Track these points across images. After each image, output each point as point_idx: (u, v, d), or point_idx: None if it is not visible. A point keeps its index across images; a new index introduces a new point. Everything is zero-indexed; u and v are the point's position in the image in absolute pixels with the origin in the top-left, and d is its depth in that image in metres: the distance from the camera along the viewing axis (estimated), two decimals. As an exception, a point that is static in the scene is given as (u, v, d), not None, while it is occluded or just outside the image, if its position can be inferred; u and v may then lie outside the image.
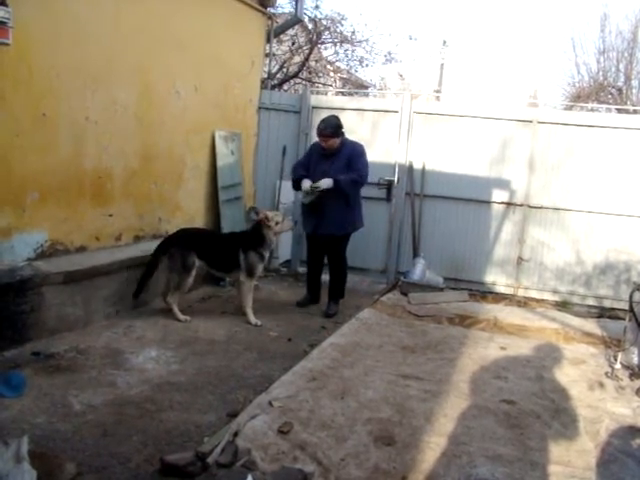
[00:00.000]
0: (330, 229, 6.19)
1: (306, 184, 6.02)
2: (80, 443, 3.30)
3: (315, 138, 6.38)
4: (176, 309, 5.62)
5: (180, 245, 5.65)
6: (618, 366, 4.92)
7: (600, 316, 6.94)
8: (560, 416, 3.96)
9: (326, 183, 5.95)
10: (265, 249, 5.89)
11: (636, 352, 4.98)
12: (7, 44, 4.15)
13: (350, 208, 6.19)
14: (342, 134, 6.13)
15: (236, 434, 3.29)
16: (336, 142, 6.07)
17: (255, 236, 5.87)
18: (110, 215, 5.58)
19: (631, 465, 3.38)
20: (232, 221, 7.24)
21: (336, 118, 6.13)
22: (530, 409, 4.02)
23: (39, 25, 4.61)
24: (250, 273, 5.82)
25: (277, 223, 5.90)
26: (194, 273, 5.70)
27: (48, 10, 4.68)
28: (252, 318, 5.75)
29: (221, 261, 5.91)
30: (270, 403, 3.73)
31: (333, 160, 6.11)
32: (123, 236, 5.78)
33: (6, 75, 4.38)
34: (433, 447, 3.39)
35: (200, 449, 3.15)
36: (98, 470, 3.04)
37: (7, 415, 3.53)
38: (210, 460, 3.06)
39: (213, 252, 5.84)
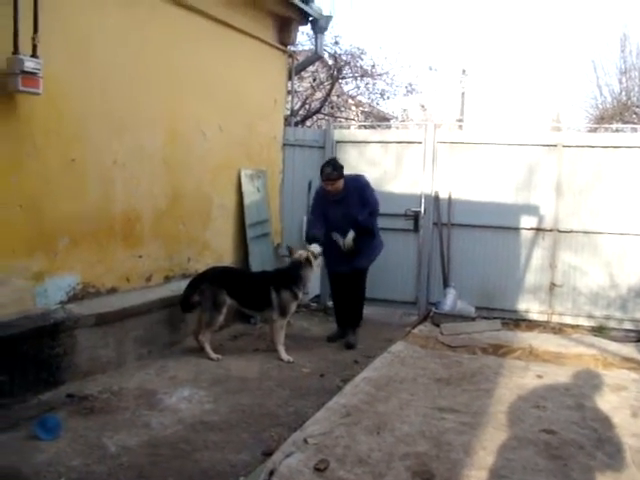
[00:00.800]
0: (361, 263, 6.34)
1: (315, 249, 6.03)
2: (116, 486, 3.30)
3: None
4: (208, 347, 5.61)
5: (211, 282, 5.68)
6: (661, 391, 4.79)
7: (638, 340, 6.78)
8: (604, 446, 3.84)
9: (350, 237, 6.11)
10: (300, 288, 5.89)
11: (678, 376, 4.85)
12: (38, 94, 4.26)
13: (373, 237, 6.34)
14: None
15: (272, 473, 3.25)
16: (341, 184, 6.10)
17: (290, 274, 5.89)
18: (140, 256, 5.63)
19: (681, 495, 3.27)
20: (260, 258, 7.26)
21: (336, 159, 6.24)
22: (572, 439, 3.92)
23: (68, 74, 4.73)
24: (283, 312, 5.82)
25: (316, 257, 5.96)
26: (225, 311, 5.71)
27: (77, 60, 4.80)
28: (284, 355, 5.73)
29: (252, 299, 5.92)
30: (305, 440, 3.68)
31: (346, 201, 6.13)
32: (153, 277, 5.81)
33: (37, 123, 4.48)
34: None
35: (236, 489, 3.12)
36: (135, 513, 3.02)
37: (43, 458, 3.54)
38: (247, 500, 3.03)
39: (244, 290, 5.86)
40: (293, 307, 5.94)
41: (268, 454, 3.61)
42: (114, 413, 4.26)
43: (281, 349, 5.77)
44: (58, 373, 4.62)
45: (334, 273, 6.54)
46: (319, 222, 6.21)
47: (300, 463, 3.38)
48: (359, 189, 6.20)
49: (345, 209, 6.10)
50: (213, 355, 5.60)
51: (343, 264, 6.27)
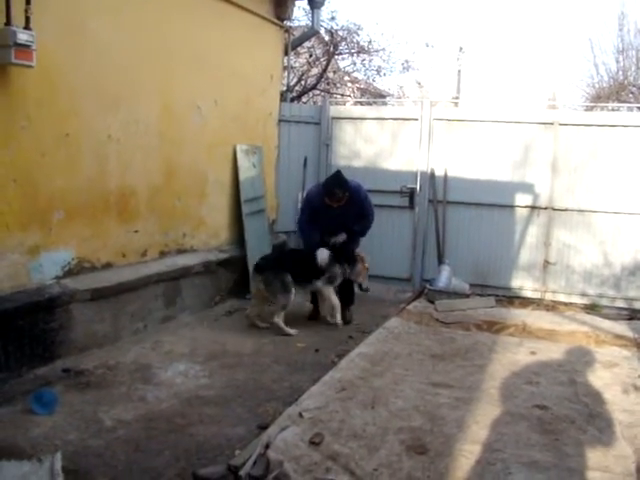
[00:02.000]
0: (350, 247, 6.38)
1: (324, 254, 6.04)
2: (112, 459, 3.32)
3: (335, 152, 6.34)
4: (284, 325, 5.82)
5: (273, 269, 5.90)
6: (652, 368, 4.84)
7: (631, 318, 6.85)
8: (595, 421, 3.89)
9: (342, 238, 6.17)
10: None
11: (670, 354, 4.90)
12: (31, 66, 4.21)
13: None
14: None
15: (267, 446, 3.27)
16: (342, 200, 5.96)
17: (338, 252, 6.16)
18: (135, 231, 5.61)
19: (671, 469, 3.31)
20: (256, 234, 7.26)
21: (341, 173, 5.97)
22: (564, 414, 3.96)
23: (61, 47, 4.67)
24: (331, 282, 6.13)
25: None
26: (294, 290, 5.92)
27: (69, 32, 4.74)
28: (339, 318, 6.22)
29: (306, 274, 6.02)
30: (300, 414, 3.71)
31: (344, 211, 6.02)
32: (148, 252, 5.81)
33: (30, 96, 4.44)
34: (467, 455, 3.35)
35: (232, 462, 3.15)
36: (131, 485, 3.05)
37: (40, 432, 3.56)
38: (242, 473, 3.05)
39: (299, 268, 5.97)
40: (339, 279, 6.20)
41: (263, 428, 3.63)
42: (110, 387, 4.28)
43: (338, 315, 6.23)
44: (54, 348, 4.64)
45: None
46: (312, 227, 6.17)
47: (295, 436, 3.41)
48: (359, 202, 6.08)
49: (342, 218, 6.07)
50: (291, 331, 5.82)
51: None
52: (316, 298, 6.49)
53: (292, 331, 5.80)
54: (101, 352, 4.93)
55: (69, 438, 3.51)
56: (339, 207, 5.99)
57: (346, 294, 6.51)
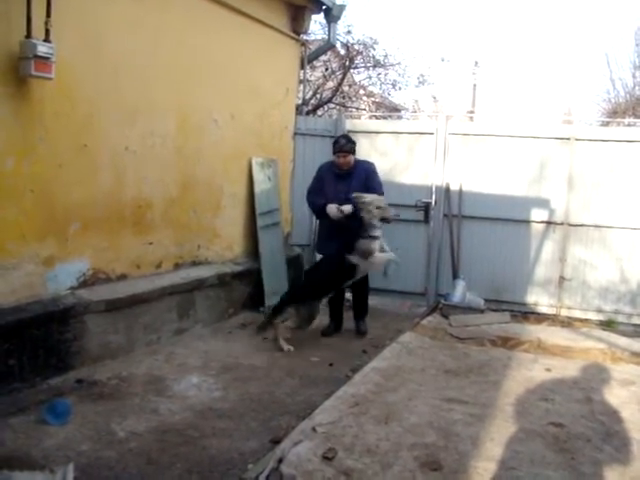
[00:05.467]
0: None
1: (333, 209, 5.90)
2: (124, 471, 3.31)
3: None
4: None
5: None
6: (670, 387, 4.78)
7: (648, 335, 6.77)
8: (612, 440, 3.83)
9: (348, 208, 5.84)
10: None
11: (688, 372, 4.83)
12: (50, 78, 4.26)
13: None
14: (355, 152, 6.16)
15: (280, 460, 3.26)
16: (352, 159, 6.08)
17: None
18: (150, 243, 5.64)
19: (689, 490, 3.26)
20: (270, 247, 7.26)
21: (349, 135, 6.21)
22: (580, 432, 3.91)
23: (80, 59, 4.72)
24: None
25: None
26: None
27: (88, 44, 4.79)
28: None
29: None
30: (314, 429, 3.69)
31: (350, 180, 6.05)
32: (163, 264, 5.83)
33: (49, 108, 4.49)
34: (481, 472, 3.31)
35: (244, 476, 3.14)
36: (143, 498, 3.04)
37: (53, 443, 3.56)
38: (255, 487, 3.04)
39: None
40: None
41: (276, 442, 3.62)
42: (123, 399, 4.28)
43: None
44: (67, 358, 4.65)
45: (333, 259, 6.05)
46: (316, 195, 6.14)
47: (309, 451, 3.38)
48: (368, 172, 6.14)
49: (348, 186, 5.98)
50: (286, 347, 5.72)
51: (342, 247, 5.96)
52: (336, 313, 6.44)
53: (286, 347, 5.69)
54: (114, 363, 4.94)
55: (82, 449, 3.51)
56: (346, 173, 6.06)
57: (359, 304, 6.49)
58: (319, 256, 6.55)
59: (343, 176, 6.09)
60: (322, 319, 6.53)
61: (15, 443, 3.53)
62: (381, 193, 6.03)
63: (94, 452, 3.49)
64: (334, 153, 6.09)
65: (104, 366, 4.84)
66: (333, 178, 6.12)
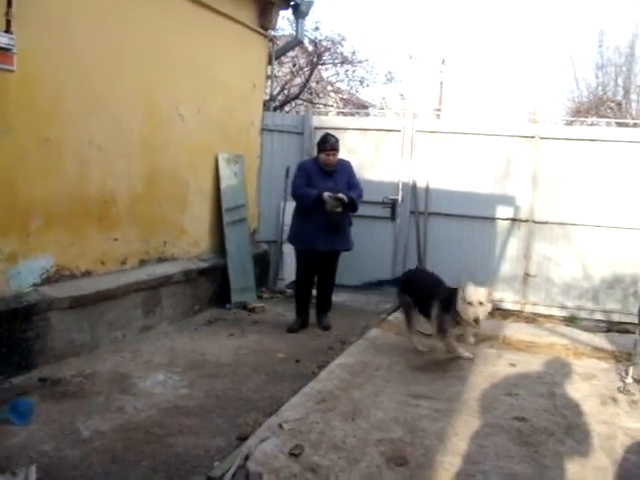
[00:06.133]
0: (344, 244, 6.31)
1: (327, 193, 5.95)
2: (89, 470, 3.27)
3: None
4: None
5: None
6: (630, 380, 4.88)
7: (609, 330, 6.90)
8: (574, 433, 3.91)
9: (342, 195, 5.99)
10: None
11: (647, 366, 4.94)
12: (11, 70, 4.16)
13: (349, 226, 6.35)
14: None
15: (247, 458, 3.25)
16: (337, 158, 6.17)
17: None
18: (115, 239, 5.57)
19: (648, 481, 3.34)
20: (236, 243, 7.23)
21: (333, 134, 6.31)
22: (543, 426, 3.97)
23: (43, 50, 4.63)
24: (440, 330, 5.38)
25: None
26: None
27: (52, 36, 4.70)
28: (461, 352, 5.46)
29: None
30: (280, 426, 3.69)
31: (335, 177, 6.17)
32: (128, 260, 5.76)
33: (10, 101, 4.39)
34: (447, 467, 3.34)
35: (211, 474, 3.12)
36: (108, 497, 3.01)
37: (15, 442, 3.50)
38: (221, 485, 3.03)
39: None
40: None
41: (243, 439, 3.61)
42: (88, 397, 4.23)
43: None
44: (31, 356, 4.57)
45: (312, 252, 6.23)
46: (304, 187, 6.14)
47: (275, 448, 3.38)
48: (349, 170, 6.32)
49: (335, 183, 6.12)
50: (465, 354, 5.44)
51: (326, 242, 6.12)
52: (303, 309, 6.44)
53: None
54: (79, 361, 4.87)
55: (45, 449, 3.46)
56: (332, 171, 6.15)
57: (324, 299, 6.53)
58: (288, 251, 6.55)
59: (329, 173, 6.17)
60: (288, 315, 6.56)
61: (-24, 443, 3.46)
62: (361, 189, 6.32)
63: (58, 452, 3.44)
64: (322, 151, 6.12)
65: (68, 364, 4.77)
66: (319, 175, 6.16)
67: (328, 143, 6.10)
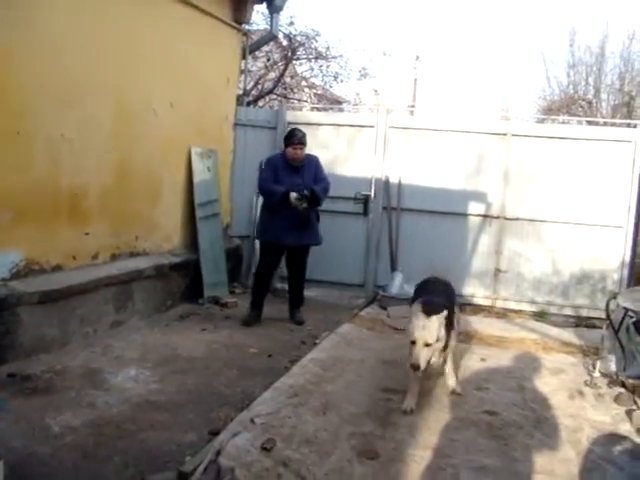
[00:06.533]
0: (313, 239, 6.33)
1: (293, 194, 5.97)
2: (59, 466, 3.24)
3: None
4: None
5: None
6: (597, 374, 4.96)
7: (577, 325, 7.03)
8: (542, 426, 3.98)
9: (307, 192, 6.02)
10: None
11: (613, 360, 5.02)
12: (-20, 62, 4.11)
13: (317, 220, 6.38)
14: None
15: (218, 452, 3.25)
16: (305, 153, 6.18)
17: None
18: (86, 234, 5.51)
19: (612, 472, 3.41)
20: (209, 238, 7.20)
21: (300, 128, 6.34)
22: (512, 420, 4.03)
23: (14, 44, 4.57)
24: None
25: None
26: None
27: (23, 29, 4.64)
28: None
29: None
30: (252, 420, 3.69)
31: (302, 172, 6.18)
32: (100, 255, 5.70)
33: (-21, 94, 4.33)
34: (417, 460, 3.38)
35: (182, 469, 3.12)
36: (78, 493, 2.99)
37: (-17, 439, 3.46)
38: None
39: None
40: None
41: (215, 434, 3.60)
42: (58, 393, 4.18)
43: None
44: (-1, 352, 4.51)
45: (277, 246, 6.27)
46: (271, 183, 6.14)
47: (247, 442, 3.38)
48: (316, 165, 6.32)
49: (302, 178, 6.13)
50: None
51: (294, 236, 6.14)
52: (259, 302, 6.41)
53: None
54: (49, 357, 4.81)
55: (13, 445, 3.41)
56: (299, 166, 6.15)
57: (296, 294, 6.55)
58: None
59: (297, 169, 6.17)
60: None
61: (-57, 440, 3.41)
62: (328, 183, 6.31)
63: (27, 448, 3.40)
64: (289, 145, 6.13)
65: (38, 360, 4.71)
66: (286, 170, 6.16)
67: (295, 137, 6.10)
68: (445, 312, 3.99)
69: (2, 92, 4.52)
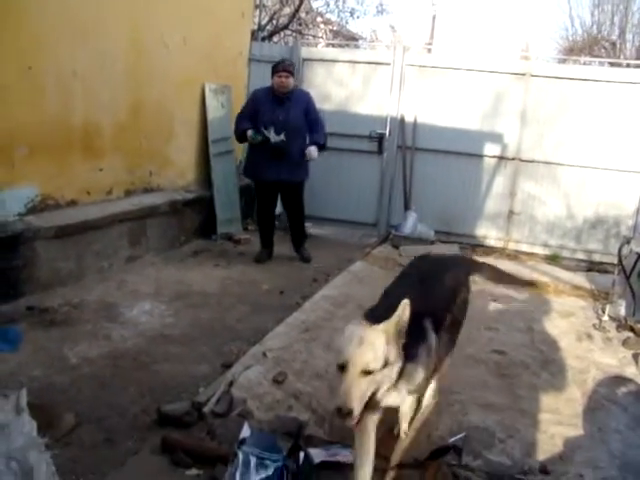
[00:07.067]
0: (295, 175, 6.15)
1: (249, 133, 5.97)
2: (78, 395, 3.34)
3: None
4: None
5: None
6: (606, 318, 5.01)
7: (589, 270, 7.03)
8: (549, 366, 4.04)
9: (280, 138, 5.92)
10: None
11: (623, 304, 5.06)
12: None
13: (302, 156, 6.13)
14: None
15: (231, 384, 3.34)
16: (292, 82, 6.03)
17: None
18: (100, 169, 5.52)
19: (615, 412, 3.48)
20: (222, 175, 7.20)
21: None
22: (520, 359, 4.10)
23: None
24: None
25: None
26: None
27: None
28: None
29: None
30: (264, 354, 3.77)
31: (288, 106, 6.01)
32: (114, 190, 5.73)
33: (-9, 27, 4.28)
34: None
35: (196, 399, 3.21)
36: (96, 421, 3.08)
37: (5, 368, 3.56)
38: (206, 410, 3.11)
39: None
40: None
41: (228, 366, 3.69)
42: (75, 325, 4.28)
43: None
44: (17, 285, 4.59)
45: (260, 182, 6.31)
46: (245, 121, 6.06)
47: (259, 375, 3.47)
48: (307, 101, 6.14)
49: (287, 111, 5.98)
50: None
51: (271, 172, 6.05)
52: (267, 239, 6.45)
53: None
54: (65, 290, 4.90)
55: (34, 374, 3.52)
56: (285, 98, 6.00)
57: (299, 230, 6.50)
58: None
59: (282, 100, 6.02)
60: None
61: (-34, 367, 3.52)
62: (323, 124, 6.18)
63: (47, 377, 3.50)
64: (274, 73, 5.99)
65: (55, 293, 4.80)
66: (270, 102, 6.03)
67: (281, 64, 5.97)
68: (403, 316, 2.25)
69: (13, 27, 4.46)
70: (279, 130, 5.91)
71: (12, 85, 4.52)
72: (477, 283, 5.83)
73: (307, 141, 6.10)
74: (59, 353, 3.82)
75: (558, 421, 3.31)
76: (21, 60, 4.58)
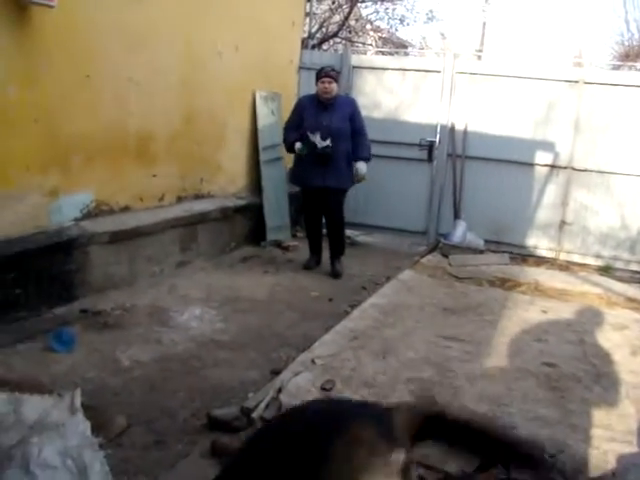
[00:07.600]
0: (338, 182, 6.08)
1: (297, 145, 6.02)
2: (129, 397, 3.42)
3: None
4: None
5: None
6: (662, 331, 4.87)
7: (644, 281, 6.85)
8: (601, 380, 3.94)
9: (325, 143, 5.89)
10: None
11: (681, 317, 4.92)
12: (52, 6, 4.17)
13: (347, 164, 6.11)
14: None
15: (280, 390, 3.36)
16: (335, 88, 6.03)
17: None
18: (154, 176, 5.64)
19: (673, 429, 3.37)
20: (272, 182, 7.26)
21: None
22: (571, 372, 4.01)
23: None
24: None
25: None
26: None
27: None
28: None
29: None
30: (313, 361, 3.79)
31: (332, 112, 6.01)
32: (166, 196, 5.84)
33: (51, 37, 4.39)
34: (474, 407, 3.41)
35: (245, 405, 3.23)
36: (147, 423, 3.14)
37: (59, 369, 3.66)
38: (255, 415, 3.14)
39: None
40: None
41: (276, 373, 3.72)
42: (127, 328, 4.37)
43: None
44: (72, 288, 4.71)
45: (306, 188, 6.30)
46: (293, 132, 6.10)
47: (307, 382, 3.48)
48: (352, 108, 6.13)
49: (330, 117, 5.97)
50: None
51: (317, 178, 6.04)
52: (315, 246, 6.47)
53: None
54: (118, 294, 5.01)
55: (88, 376, 3.61)
56: (329, 104, 6.00)
57: (335, 242, 6.37)
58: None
59: (326, 107, 6.03)
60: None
61: (24, 369, 3.62)
62: (365, 134, 6.14)
63: (100, 379, 3.59)
64: (318, 79, 6.02)
65: (107, 297, 4.91)
66: (315, 109, 6.05)
67: (323, 70, 5.99)
68: None
69: (73, 34, 4.59)
70: (325, 136, 5.91)
71: (71, 93, 4.64)
72: (527, 294, 5.79)
73: (351, 149, 6.10)
74: (111, 355, 3.91)
75: (611, 437, 3.23)
76: (79, 69, 4.69)
